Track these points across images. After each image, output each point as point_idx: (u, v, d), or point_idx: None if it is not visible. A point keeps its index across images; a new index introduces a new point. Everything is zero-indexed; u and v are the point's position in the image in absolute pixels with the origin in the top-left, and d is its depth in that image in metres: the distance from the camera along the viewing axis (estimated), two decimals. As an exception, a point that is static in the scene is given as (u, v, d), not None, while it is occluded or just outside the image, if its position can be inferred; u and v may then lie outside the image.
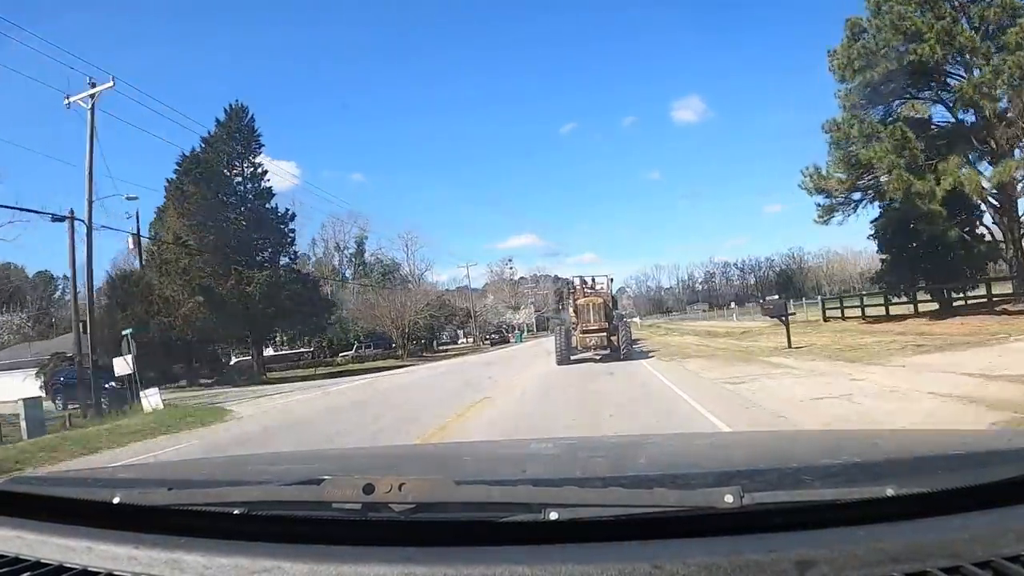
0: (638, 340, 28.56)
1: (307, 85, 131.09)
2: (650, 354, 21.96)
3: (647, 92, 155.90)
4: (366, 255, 70.71)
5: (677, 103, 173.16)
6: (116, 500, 1.10)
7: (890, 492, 0.92)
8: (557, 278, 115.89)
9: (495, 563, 0.87)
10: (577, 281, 23.22)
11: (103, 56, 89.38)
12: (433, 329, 61.00)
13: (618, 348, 20.23)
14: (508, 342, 64.45)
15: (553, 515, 0.92)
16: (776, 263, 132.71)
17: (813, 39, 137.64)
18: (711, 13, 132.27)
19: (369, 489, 0.97)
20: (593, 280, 23.42)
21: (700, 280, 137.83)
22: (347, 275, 68.09)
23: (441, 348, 65.93)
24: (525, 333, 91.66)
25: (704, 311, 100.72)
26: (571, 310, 22.10)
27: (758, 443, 2.29)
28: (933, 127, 24.57)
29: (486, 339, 67.21)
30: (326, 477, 1.09)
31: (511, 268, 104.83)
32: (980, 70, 21.71)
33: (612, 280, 25.45)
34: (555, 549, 0.89)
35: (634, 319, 62.99)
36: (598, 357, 20.56)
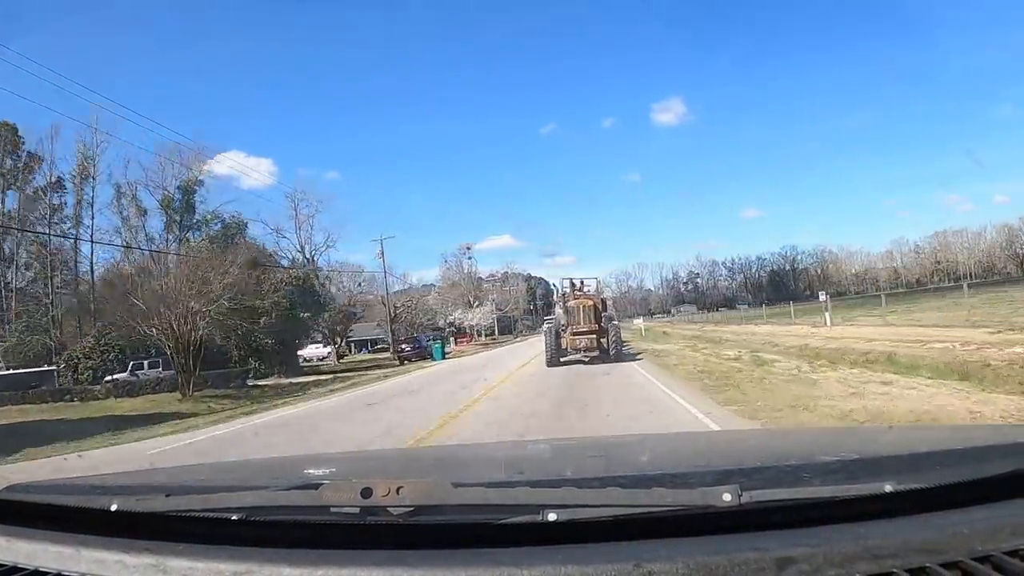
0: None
1: (290, 80, 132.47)
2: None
3: (627, 94, 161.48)
4: (198, 210, 44.38)
5: (657, 105, 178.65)
6: (114, 507, 1.11)
7: (888, 488, 0.95)
8: (530, 276, 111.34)
9: (494, 565, 0.88)
10: (567, 283, 24.09)
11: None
12: (294, 334, 38.38)
13: (607, 350, 21.05)
14: (430, 357, 39.53)
15: (551, 516, 0.93)
16: (768, 262, 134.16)
17: (800, 42, 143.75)
18: (694, 17, 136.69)
19: (367, 493, 0.99)
20: (582, 282, 24.21)
21: (684, 280, 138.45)
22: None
23: (309, 367, 42.41)
24: (483, 335, 75.16)
25: (695, 312, 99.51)
26: (560, 312, 22.81)
27: (757, 441, 2.35)
28: None
29: (398, 352, 41.88)
30: (324, 481, 1.12)
31: (470, 259, 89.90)
32: None
33: (599, 282, 26.57)
34: (553, 550, 0.90)
35: (636, 321, 52.08)
36: (587, 359, 21.14)
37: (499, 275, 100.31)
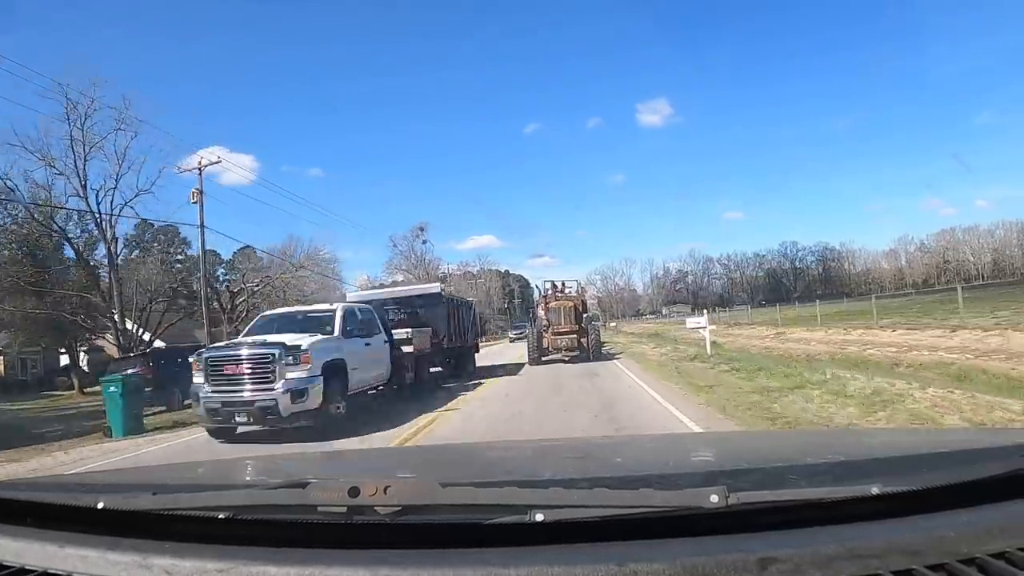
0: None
1: (274, 78, 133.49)
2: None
3: (612, 94, 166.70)
4: None
5: (643, 106, 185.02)
6: (100, 505, 1.15)
7: (875, 491, 1.00)
8: (507, 272, 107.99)
9: (481, 565, 0.92)
10: (549, 285, 26.10)
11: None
12: None
13: (587, 349, 22.87)
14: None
15: (539, 516, 0.98)
16: (767, 260, 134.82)
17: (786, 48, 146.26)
18: (681, 18, 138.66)
19: (354, 492, 1.03)
20: (563, 284, 26.27)
21: (673, 278, 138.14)
22: None
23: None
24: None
25: (691, 313, 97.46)
26: (542, 312, 24.64)
27: (745, 443, 2.43)
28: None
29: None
30: (311, 480, 1.15)
31: (425, 243, 77.11)
32: None
33: (580, 284, 28.58)
34: (541, 550, 0.95)
35: (693, 320, 24.72)
36: (567, 358, 23.01)
37: (475, 270, 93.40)
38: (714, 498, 0.97)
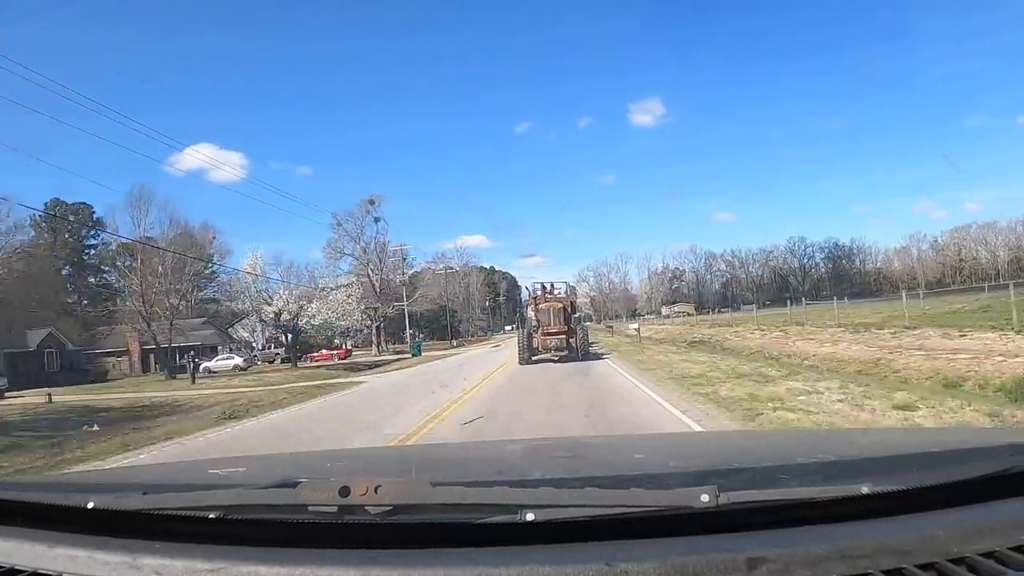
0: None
1: (264, 76, 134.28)
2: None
3: (604, 94, 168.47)
4: None
5: (635, 105, 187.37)
6: (90, 505, 1.19)
7: (865, 490, 1.03)
8: (492, 269, 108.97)
9: (472, 564, 0.95)
10: (538, 287, 27.93)
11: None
12: None
13: (576, 349, 24.87)
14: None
15: (529, 516, 1.01)
16: (774, 256, 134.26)
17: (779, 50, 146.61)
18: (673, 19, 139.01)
19: (345, 492, 1.06)
20: (552, 286, 28.24)
21: (671, 276, 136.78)
22: None
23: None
24: (381, 344, 51.35)
25: (693, 314, 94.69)
26: (532, 313, 26.45)
27: (736, 443, 2.51)
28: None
29: None
30: (302, 480, 1.19)
31: (377, 221, 64.86)
32: None
33: (569, 285, 30.88)
34: (531, 550, 0.98)
35: None
36: (556, 358, 24.62)
37: (455, 264, 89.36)
38: (704, 497, 1.00)
